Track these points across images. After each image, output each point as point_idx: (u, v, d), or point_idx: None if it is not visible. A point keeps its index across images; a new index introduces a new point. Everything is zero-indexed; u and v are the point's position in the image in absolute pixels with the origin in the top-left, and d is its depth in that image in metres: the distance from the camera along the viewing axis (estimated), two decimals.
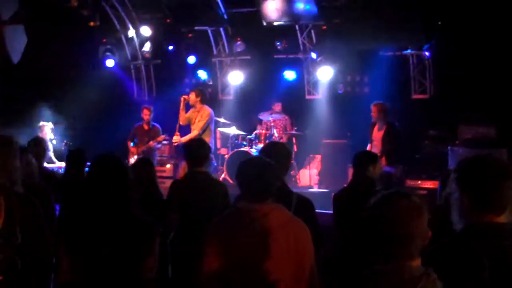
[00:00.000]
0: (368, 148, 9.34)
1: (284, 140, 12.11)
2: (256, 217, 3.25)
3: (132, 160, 10.75)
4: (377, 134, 9.48)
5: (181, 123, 10.46)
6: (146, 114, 11.54)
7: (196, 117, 10.24)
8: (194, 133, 10.11)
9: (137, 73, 14.93)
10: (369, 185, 5.44)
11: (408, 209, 2.45)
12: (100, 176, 3.35)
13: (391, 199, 2.49)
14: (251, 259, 3.21)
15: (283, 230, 3.26)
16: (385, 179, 8.08)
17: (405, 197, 2.47)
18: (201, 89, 10.74)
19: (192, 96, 10.29)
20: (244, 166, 3.40)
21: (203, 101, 10.30)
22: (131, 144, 11.50)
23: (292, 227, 3.31)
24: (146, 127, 11.59)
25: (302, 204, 4.15)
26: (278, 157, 3.96)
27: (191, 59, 13.24)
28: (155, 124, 11.65)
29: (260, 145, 11.23)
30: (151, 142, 11.37)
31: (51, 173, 7.06)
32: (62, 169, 8.24)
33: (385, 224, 2.44)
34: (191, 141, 5.87)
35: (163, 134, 11.57)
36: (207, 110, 10.26)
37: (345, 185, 6.49)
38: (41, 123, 11.38)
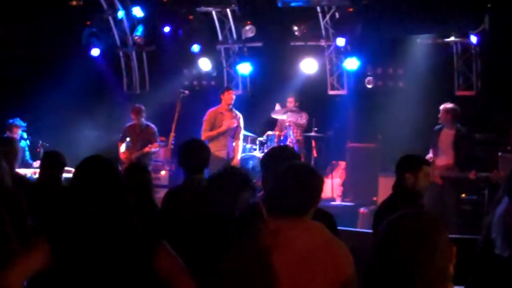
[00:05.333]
0: (430, 155, 9.40)
1: (300, 143, 12.09)
2: (290, 237, 3.25)
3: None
4: (446, 139, 9.59)
5: (208, 135, 10.58)
6: (134, 118, 11.44)
7: (232, 122, 10.67)
8: (240, 144, 10.81)
9: (127, 63, 14.94)
10: (407, 199, 5.36)
11: (410, 232, 2.47)
12: (91, 182, 3.43)
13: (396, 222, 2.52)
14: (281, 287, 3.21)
15: (322, 252, 3.26)
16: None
17: (411, 218, 2.51)
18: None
19: (233, 96, 10.72)
20: (284, 174, 3.41)
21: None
22: (123, 147, 11.42)
23: (332, 249, 3.30)
24: (138, 129, 11.49)
25: (320, 220, 4.12)
26: (277, 164, 3.94)
27: (195, 48, 13.26)
28: (148, 124, 11.56)
29: None
30: (146, 148, 11.27)
31: (22, 178, 7.08)
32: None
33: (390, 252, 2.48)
34: (188, 142, 5.86)
35: (159, 135, 11.56)
36: (240, 115, 10.79)
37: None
38: (11, 121, 11.41)
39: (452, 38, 11.72)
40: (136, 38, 13.83)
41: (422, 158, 5.80)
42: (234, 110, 10.80)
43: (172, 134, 11.15)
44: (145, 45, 14.21)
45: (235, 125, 10.70)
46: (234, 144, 10.82)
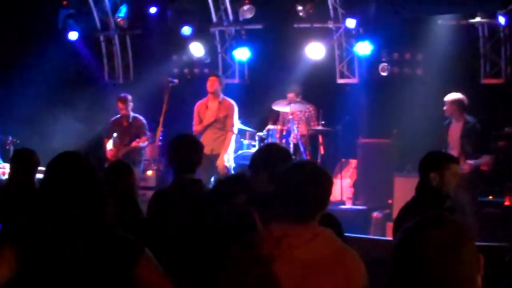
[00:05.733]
0: None
1: (306, 138, 12.04)
2: (296, 244, 3.26)
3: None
4: (454, 133, 9.76)
5: (197, 130, 10.72)
6: (122, 108, 11.47)
7: (219, 112, 10.67)
8: (230, 137, 10.71)
9: (109, 48, 14.94)
10: (432, 201, 5.33)
11: (431, 242, 2.43)
12: (63, 183, 3.35)
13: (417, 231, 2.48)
14: None
15: (331, 263, 3.27)
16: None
17: (431, 225, 2.46)
18: (218, 74, 11.21)
19: (214, 82, 10.75)
20: (289, 174, 3.43)
21: (223, 91, 10.82)
22: (109, 143, 11.43)
23: (343, 260, 3.31)
24: (125, 123, 11.51)
25: (323, 224, 4.10)
26: (273, 166, 3.93)
27: (186, 30, 13.24)
28: (136, 116, 11.57)
29: None
30: (134, 143, 11.27)
31: None
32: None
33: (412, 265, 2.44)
34: (178, 138, 5.83)
35: (148, 130, 11.54)
36: (231, 102, 10.77)
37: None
38: None
39: (477, 19, 11.66)
40: (118, 20, 13.83)
41: (449, 155, 5.86)
42: (222, 98, 10.80)
43: (160, 129, 11.07)
44: (129, 28, 14.21)
45: (213, 120, 10.73)
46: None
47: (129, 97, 11.55)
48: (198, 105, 10.90)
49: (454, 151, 9.39)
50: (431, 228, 2.45)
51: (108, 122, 11.70)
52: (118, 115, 11.57)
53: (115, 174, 5.76)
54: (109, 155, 11.30)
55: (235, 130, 10.90)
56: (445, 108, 9.72)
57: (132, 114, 11.52)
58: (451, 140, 9.77)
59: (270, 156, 4.44)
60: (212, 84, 10.75)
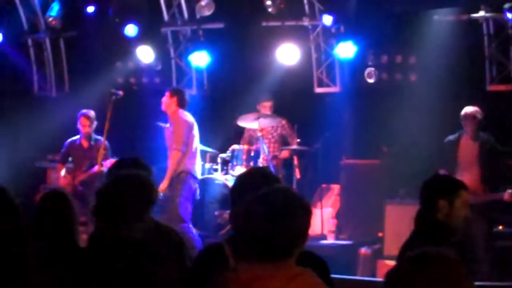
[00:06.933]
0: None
1: (278, 159, 12.07)
2: None
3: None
4: (468, 153, 9.83)
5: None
6: (85, 125, 11.50)
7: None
8: (174, 155, 10.68)
9: (39, 54, 14.91)
10: (440, 233, 5.29)
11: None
12: None
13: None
14: None
15: None
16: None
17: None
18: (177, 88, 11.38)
19: (166, 98, 10.90)
20: (256, 204, 3.39)
21: (181, 105, 10.92)
22: (63, 171, 11.49)
23: None
24: (85, 144, 11.60)
25: (305, 265, 4.08)
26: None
27: (131, 30, 13.23)
28: (98, 138, 11.62)
29: (241, 170, 11.20)
30: (96, 168, 11.30)
31: None
32: None
33: None
34: (121, 162, 5.77)
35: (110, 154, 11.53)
36: (180, 115, 10.82)
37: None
38: None
39: (481, 14, 11.75)
40: (50, 20, 13.82)
41: (458, 180, 5.81)
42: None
43: (102, 152, 11.05)
44: (63, 29, 14.19)
45: None
46: None
47: (92, 114, 11.60)
48: None
49: (467, 175, 9.38)
50: (420, 266, 2.52)
51: (64, 146, 11.72)
52: (76, 137, 11.64)
53: (50, 206, 5.68)
54: (62, 183, 11.37)
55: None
56: (464, 122, 9.85)
57: (94, 135, 11.63)
58: (464, 161, 9.84)
59: (250, 183, 4.37)
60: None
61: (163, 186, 10.49)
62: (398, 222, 10.20)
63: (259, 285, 3.25)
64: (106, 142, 11.48)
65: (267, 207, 3.34)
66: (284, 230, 3.30)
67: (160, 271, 4.99)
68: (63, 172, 11.48)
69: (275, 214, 3.32)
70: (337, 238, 11.85)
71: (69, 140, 11.69)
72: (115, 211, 4.98)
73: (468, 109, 9.87)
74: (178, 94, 11.00)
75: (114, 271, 4.90)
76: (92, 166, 11.35)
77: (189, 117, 10.89)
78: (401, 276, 2.53)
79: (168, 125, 10.99)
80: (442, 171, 9.58)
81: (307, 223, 3.39)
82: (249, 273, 3.28)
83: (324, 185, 12.53)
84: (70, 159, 11.46)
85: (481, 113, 9.83)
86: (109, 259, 4.93)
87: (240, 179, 4.66)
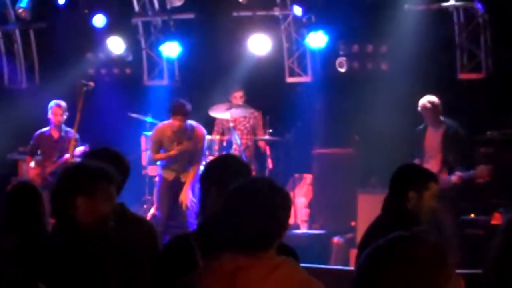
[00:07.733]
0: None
1: (250, 150, 12.11)
2: (254, 279, 3.27)
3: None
4: (433, 141, 9.96)
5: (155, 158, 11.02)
6: (57, 114, 11.51)
7: (182, 139, 10.80)
8: (195, 170, 10.84)
9: (8, 46, 14.83)
10: (403, 223, 5.31)
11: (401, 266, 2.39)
12: None
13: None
14: None
15: None
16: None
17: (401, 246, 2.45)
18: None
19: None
20: (236, 194, 3.41)
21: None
22: (32, 162, 11.50)
23: None
24: (55, 135, 11.61)
25: None
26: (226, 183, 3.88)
27: (98, 20, 13.18)
28: (68, 130, 11.63)
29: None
30: (66, 157, 11.32)
31: None
32: None
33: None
34: (94, 152, 5.76)
35: (82, 144, 11.59)
36: (202, 130, 10.94)
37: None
38: None
39: (451, 2, 11.81)
40: (20, 11, 13.72)
41: (430, 172, 5.87)
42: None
43: (73, 143, 11.03)
44: (33, 21, 14.09)
45: None
46: None
47: (64, 105, 11.61)
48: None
49: (432, 162, 9.60)
50: (402, 248, 2.42)
51: (33, 137, 11.72)
52: (45, 129, 11.64)
53: (18, 199, 5.67)
54: (32, 174, 11.37)
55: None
56: (421, 112, 10.02)
57: (64, 127, 11.63)
58: (429, 149, 9.96)
59: (223, 170, 4.36)
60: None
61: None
62: (370, 210, 10.06)
63: (243, 276, 3.26)
64: (77, 134, 11.46)
65: (248, 198, 3.37)
66: (266, 221, 3.33)
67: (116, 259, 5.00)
68: (32, 163, 11.49)
69: (257, 205, 3.34)
70: (310, 228, 11.93)
71: (38, 131, 11.68)
72: None
73: (420, 101, 10.02)
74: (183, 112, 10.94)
75: (76, 262, 4.91)
76: (62, 157, 11.35)
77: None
78: (376, 263, 2.42)
79: None
80: (416, 161, 9.67)
81: (288, 214, 3.44)
82: (233, 264, 3.29)
83: (296, 175, 12.53)
84: (39, 151, 11.44)
85: (432, 101, 9.93)
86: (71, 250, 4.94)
87: (208, 166, 4.69)
